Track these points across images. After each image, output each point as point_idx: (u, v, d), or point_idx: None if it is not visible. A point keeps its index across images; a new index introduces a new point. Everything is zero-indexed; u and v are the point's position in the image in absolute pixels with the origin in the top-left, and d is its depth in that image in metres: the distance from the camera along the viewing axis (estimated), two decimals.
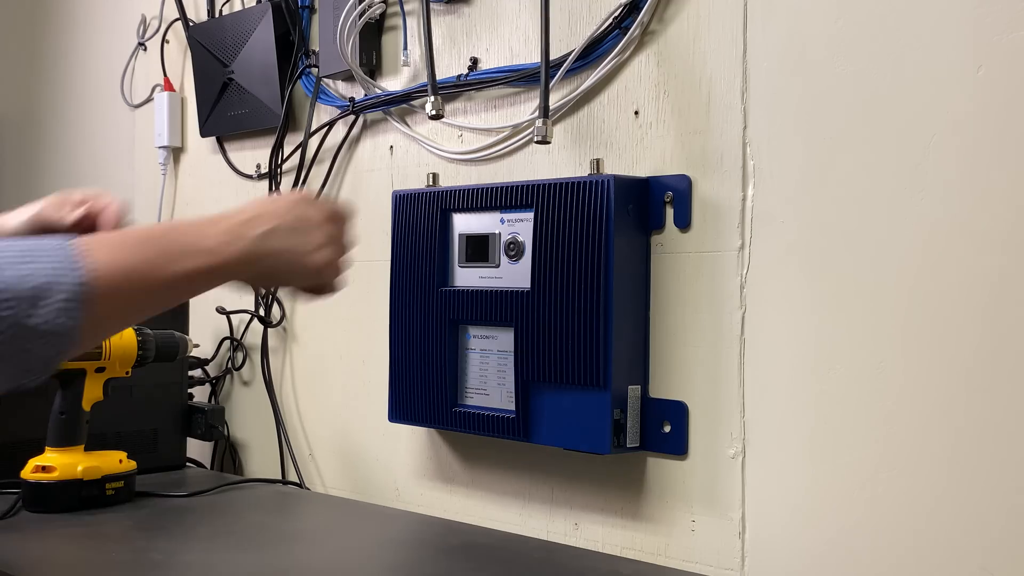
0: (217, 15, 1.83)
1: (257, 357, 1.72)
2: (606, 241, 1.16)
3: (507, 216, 1.27)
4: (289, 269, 0.92)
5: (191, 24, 1.87)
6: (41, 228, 1.00)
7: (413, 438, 1.48)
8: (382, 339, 1.43)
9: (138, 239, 0.83)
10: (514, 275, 1.26)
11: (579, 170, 1.28)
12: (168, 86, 1.93)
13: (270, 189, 1.70)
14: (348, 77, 1.57)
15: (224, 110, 1.78)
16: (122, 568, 1.15)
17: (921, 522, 1.00)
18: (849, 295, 1.05)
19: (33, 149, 2.37)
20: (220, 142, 1.83)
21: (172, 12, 1.91)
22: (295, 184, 1.65)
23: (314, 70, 1.63)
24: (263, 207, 0.91)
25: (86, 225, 1.00)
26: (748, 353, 1.12)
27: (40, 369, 0.75)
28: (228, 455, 1.78)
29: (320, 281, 0.96)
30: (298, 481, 1.62)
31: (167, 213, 1.93)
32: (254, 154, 1.76)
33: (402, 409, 1.38)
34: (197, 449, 1.77)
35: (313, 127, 1.62)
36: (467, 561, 1.19)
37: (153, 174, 1.96)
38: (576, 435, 1.19)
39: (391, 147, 1.53)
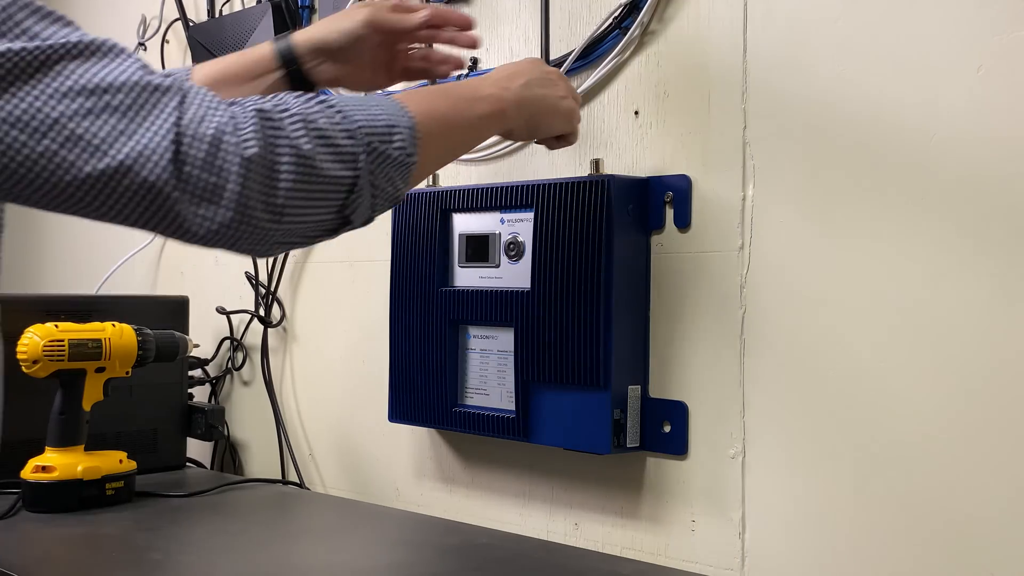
0: (217, 15, 1.83)
1: (257, 357, 1.72)
2: (606, 241, 1.16)
3: (507, 216, 1.27)
4: (550, 112, 1.08)
5: (191, 24, 1.87)
6: (377, 29, 1.10)
7: (413, 438, 1.48)
8: (382, 339, 1.43)
9: (435, 92, 1.00)
10: (514, 275, 1.26)
11: (579, 170, 1.28)
12: None
13: None
14: None
15: None
16: (122, 568, 1.15)
17: (921, 522, 1.00)
18: (849, 295, 1.05)
19: None
20: None
21: (172, 12, 1.91)
22: None
23: None
24: (513, 67, 1.08)
25: (431, 25, 1.11)
26: (748, 353, 1.12)
27: (392, 197, 0.88)
28: (228, 455, 1.78)
29: (570, 127, 1.12)
30: (298, 481, 1.62)
31: None
32: None
33: (402, 409, 1.38)
34: (197, 449, 1.77)
35: None
36: (467, 561, 1.19)
37: None
38: (576, 435, 1.19)
39: None
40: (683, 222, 1.18)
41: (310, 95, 0.84)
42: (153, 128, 0.74)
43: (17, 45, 0.72)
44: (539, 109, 1.07)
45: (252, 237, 0.79)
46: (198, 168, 0.75)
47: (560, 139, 1.13)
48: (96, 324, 1.43)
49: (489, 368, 1.28)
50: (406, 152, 0.86)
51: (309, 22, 1.66)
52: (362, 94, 0.87)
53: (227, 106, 0.78)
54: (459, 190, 1.31)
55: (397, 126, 0.86)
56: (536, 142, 1.15)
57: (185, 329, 1.66)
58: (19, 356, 1.37)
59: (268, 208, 0.78)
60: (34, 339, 1.37)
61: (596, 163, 1.21)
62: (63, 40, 0.74)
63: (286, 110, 0.81)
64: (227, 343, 1.78)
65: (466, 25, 1.13)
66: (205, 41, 1.80)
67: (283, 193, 0.78)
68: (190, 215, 0.76)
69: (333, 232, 0.86)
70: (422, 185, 1.39)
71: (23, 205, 0.77)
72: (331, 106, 0.83)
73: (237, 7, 1.79)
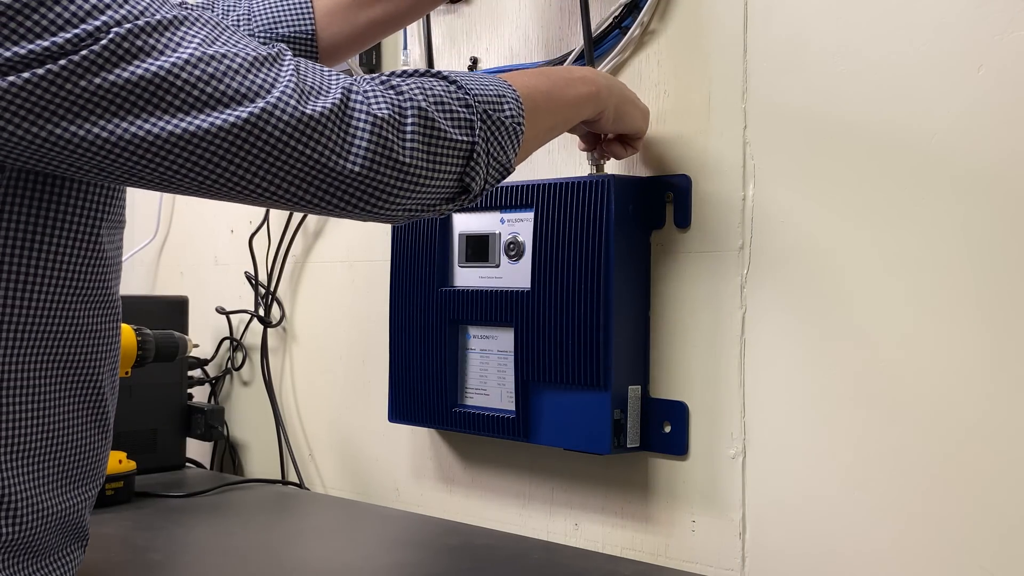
0: None
1: (257, 357, 1.72)
2: (606, 241, 1.16)
3: (507, 216, 1.27)
4: (632, 103, 1.14)
5: None
6: None
7: (413, 438, 1.48)
8: (382, 339, 1.43)
9: (533, 73, 1.04)
10: (514, 275, 1.26)
11: (579, 170, 1.28)
12: None
13: None
14: None
15: None
16: (122, 568, 1.15)
17: (921, 522, 1.00)
18: (849, 295, 1.05)
19: None
20: None
21: None
22: None
23: None
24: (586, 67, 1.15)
25: None
26: (748, 353, 1.12)
27: (504, 166, 0.90)
28: (228, 455, 1.78)
29: (646, 125, 1.17)
30: (298, 481, 1.62)
31: (167, 211, 1.93)
32: None
33: (402, 409, 1.38)
34: (197, 449, 1.77)
35: None
36: (467, 561, 1.19)
37: None
38: (576, 435, 1.19)
39: None
40: (683, 222, 1.18)
41: (425, 70, 0.87)
42: (278, 88, 0.76)
43: (125, 27, 0.72)
44: (625, 98, 1.12)
45: (378, 197, 0.81)
46: (327, 123, 0.77)
47: (628, 147, 1.17)
48: None
49: (489, 368, 1.28)
50: (516, 120, 0.90)
51: None
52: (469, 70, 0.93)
53: (339, 74, 0.81)
54: None
55: (505, 96, 0.90)
56: (604, 150, 1.17)
57: (185, 329, 1.66)
58: None
59: (395, 166, 0.80)
60: None
61: (596, 163, 1.21)
62: (169, 15, 0.75)
63: (403, 81, 0.84)
64: (227, 343, 1.78)
65: None
66: None
67: (409, 152, 0.81)
68: (317, 171, 0.77)
69: (451, 201, 0.87)
70: None
71: (145, 185, 0.78)
72: (444, 78, 0.87)
73: None
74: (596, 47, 1.25)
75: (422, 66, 1.44)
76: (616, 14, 1.23)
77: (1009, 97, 0.95)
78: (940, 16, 0.99)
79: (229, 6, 1.16)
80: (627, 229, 1.18)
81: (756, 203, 1.12)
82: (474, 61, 1.41)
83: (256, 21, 1.15)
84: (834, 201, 1.06)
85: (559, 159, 1.31)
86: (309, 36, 1.15)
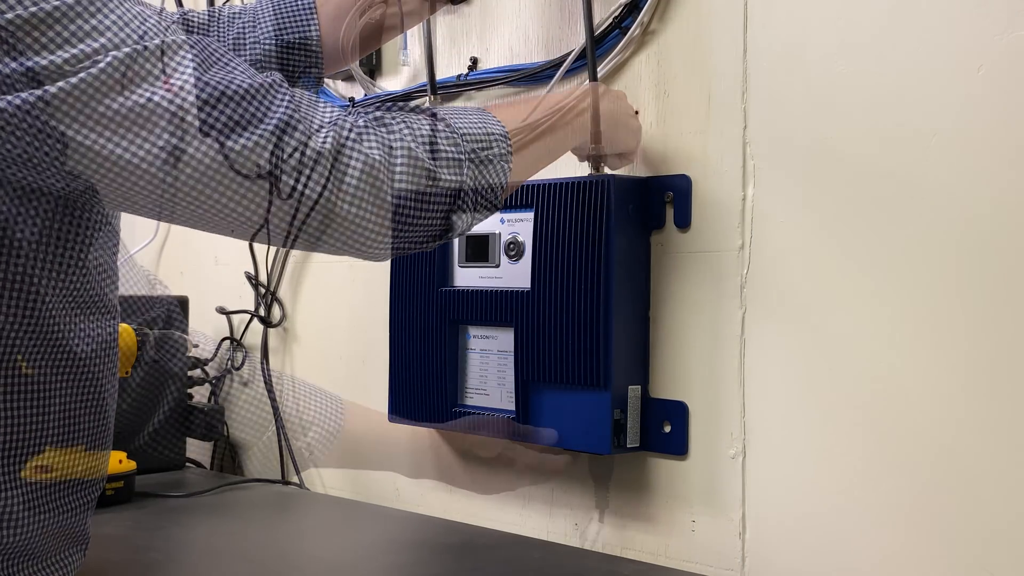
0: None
1: (257, 357, 1.72)
2: (606, 241, 1.16)
3: (507, 216, 1.27)
4: (624, 123, 1.15)
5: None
6: None
7: (413, 438, 1.48)
8: (382, 339, 1.43)
9: (520, 103, 1.05)
10: (514, 275, 1.26)
11: (579, 170, 1.28)
12: None
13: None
14: (348, 77, 1.57)
15: None
16: (122, 568, 1.15)
17: (921, 522, 1.00)
18: (849, 295, 1.05)
19: None
20: None
21: (171, 7, 1.91)
22: None
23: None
24: (581, 88, 1.13)
25: None
26: (748, 353, 1.12)
27: (491, 203, 0.91)
28: (228, 455, 1.78)
29: (637, 142, 1.17)
30: (298, 481, 1.62)
31: None
32: None
33: (402, 409, 1.37)
34: (197, 449, 1.77)
35: None
36: (467, 561, 1.19)
37: None
38: (576, 435, 1.19)
39: None
40: (683, 222, 1.18)
41: (413, 106, 0.88)
42: (272, 119, 0.76)
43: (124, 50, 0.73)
44: (615, 119, 1.12)
45: (366, 237, 0.81)
46: (320, 159, 0.77)
47: (622, 157, 1.18)
48: None
49: (489, 368, 1.28)
50: (504, 158, 0.91)
51: None
52: (461, 104, 0.93)
53: (334, 108, 0.81)
54: None
55: (493, 133, 0.91)
56: (599, 160, 1.17)
57: (185, 329, 1.66)
58: None
59: (383, 206, 0.81)
60: None
61: (596, 163, 1.21)
62: (168, 40, 0.75)
63: (393, 119, 0.84)
64: (227, 343, 1.78)
65: None
66: None
67: (396, 193, 0.81)
68: (306, 206, 0.78)
69: (438, 238, 0.88)
70: None
71: (136, 210, 0.78)
72: (433, 115, 0.87)
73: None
74: (597, 47, 1.25)
75: (423, 67, 1.44)
76: (616, 14, 1.23)
77: (1009, 97, 0.95)
78: (940, 16, 0.99)
79: (234, 14, 1.16)
80: (627, 229, 1.18)
81: (756, 203, 1.12)
82: (474, 61, 1.41)
83: (261, 28, 1.15)
84: (834, 201, 1.06)
85: (559, 159, 1.30)
86: (314, 42, 1.15)
